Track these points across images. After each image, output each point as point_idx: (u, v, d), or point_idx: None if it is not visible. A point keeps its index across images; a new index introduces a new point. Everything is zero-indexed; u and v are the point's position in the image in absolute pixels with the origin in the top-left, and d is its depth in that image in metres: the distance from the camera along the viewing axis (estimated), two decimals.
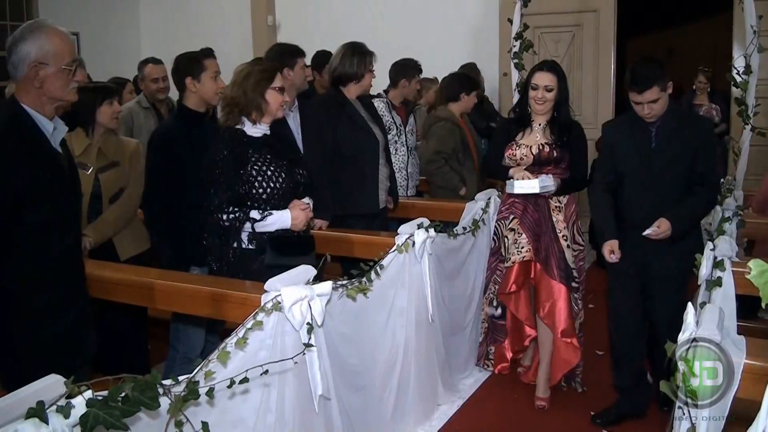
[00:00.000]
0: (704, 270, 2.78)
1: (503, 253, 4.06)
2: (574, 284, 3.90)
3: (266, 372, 2.21)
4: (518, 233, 3.96)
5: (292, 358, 2.35)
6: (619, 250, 3.48)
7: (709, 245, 3.01)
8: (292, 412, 2.47)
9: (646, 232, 3.38)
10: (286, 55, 4.19)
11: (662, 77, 3.28)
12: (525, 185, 3.85)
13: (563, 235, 3.92)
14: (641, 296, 3.59)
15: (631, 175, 3.49)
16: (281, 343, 2.41)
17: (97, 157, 3.65)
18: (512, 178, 3.93)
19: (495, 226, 4.18)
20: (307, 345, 2.45)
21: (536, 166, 3.93)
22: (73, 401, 1.76)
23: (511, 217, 4.01)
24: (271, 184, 3.15)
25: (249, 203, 3.14)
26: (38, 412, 1.68)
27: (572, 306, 3.90)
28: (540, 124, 3.98)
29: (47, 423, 1.69)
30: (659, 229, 3.36)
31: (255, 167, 3.14)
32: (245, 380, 2.14)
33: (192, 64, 3.68)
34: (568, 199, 4.02)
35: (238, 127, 3.21)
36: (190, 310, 3.04)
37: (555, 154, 3.90)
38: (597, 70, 7.51)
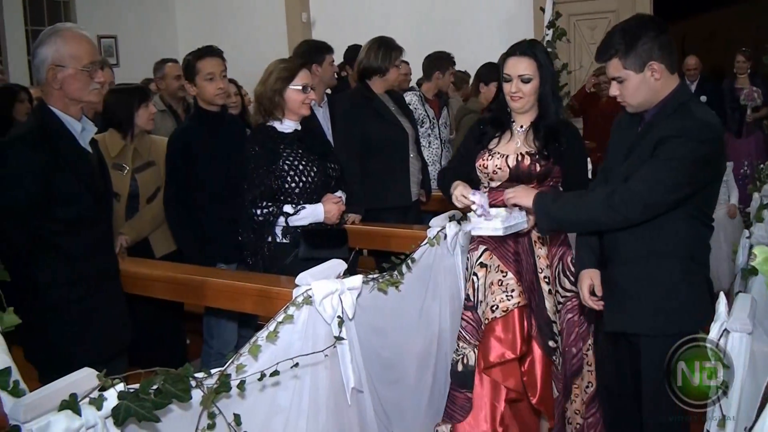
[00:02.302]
0: (740, 258, 2.72)
1: (471, 297, 3.05)
2: (551, 344, 2.93)
3: (296, 365, 2.22)
4: (501, 271, 2.97)
5: (322, 351, 2.36)
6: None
7: (746, 233, 2.95)
8: (325, 405, 2.47)
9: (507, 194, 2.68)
10: (315, 51, 4.22)
11: (630, 49, 2.38)
12: (484, 225, 2.81)
13: (545, 277, 2.97)
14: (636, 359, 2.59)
15: (613, 172, 2.61)
16: (313, 337, 2.42)
17: (132, 157, 3.70)
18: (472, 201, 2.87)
19: (468, 258, 3.20)
20: (338, 338, 2.45)
21: (514, 184, 2.93)
22: (106, 393, 1.79)
23: (482, 248, 3.05)
24: (304, 179, 3.19)
25: (282, 198, 3.17)
26: (71, 405, 1.71)
27: (549, 369, 2.95)
28: (521, 127, 3.05)
29: (80, 415, 1.72)
30: (511, 191, 2.67)
31: (287, 162, 3.18)
32: (276, 373, 2.15)
33: (187, 67, 3.64)
34: None
35: (269, 123, 3.25)
36: (239, 307, 3.06)
37: (538, 168, 2.94)
38: None
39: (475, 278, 3.03)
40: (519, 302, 2.90)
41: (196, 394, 1.97)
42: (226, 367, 2.09)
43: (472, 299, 3.04)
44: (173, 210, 3.59)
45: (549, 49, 4.74)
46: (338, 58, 4.96)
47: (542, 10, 4.86)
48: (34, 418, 1.68)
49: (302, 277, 2.50)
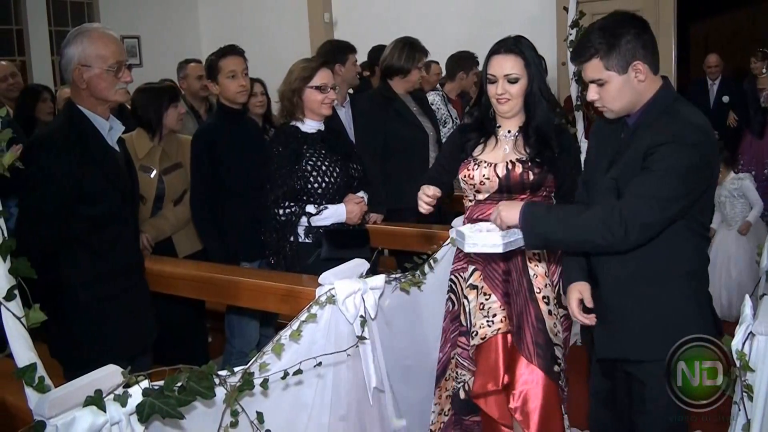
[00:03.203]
0: (765, 260, 2.68)
1: (464, 322, 2.81)
2: (556, 368, 2.65)
3: (320, 364, 2.22)
4: (484, 294, 2.73)
5: (345, 351, 2.37)
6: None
7: None
8: (346, 404, 2.48)
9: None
10: (337, 51, 4.22)
11: (612, 48, 2.12)
12: (480, 241, 2.40)
13: (543, 297, 2.68)
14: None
15: (593, 186, 2.38)
16: (335, 336, 2.42)
17: (160, 158, 3.71)
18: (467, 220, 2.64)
19: (450, 280, 2.93)
20: (360, 338, 2.45)
21: (504, 195, 2.70)
22: (130, 390, 1.81)
23: (471, 268, 2.80)
24: (326, 179, 3.19)
25: (305, 198, 3.18)
26: (96, 401, 1.73)
27: (556, 397, 2.66)
28: (509, 132, 2.78)
29: (105, 411, 1.74)
30: (494, 213, 2.29)
31: (310, 162, 3.18)
32: (299, 372, 2.16)
33: (209, 66, 3.66)
34: None
35: (292, 123, 3.26)
36: (262, 305, 3.05)
37: (531, 177, 2.68)
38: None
39: (466, 302, 2.79)
40: (500, 329, 2.64)
41: (220, 392, 1.98)
42: (250, 365, 2.10)
43: (465, 324, 2.79)
44: (201, 209, 3.58)
45: (571, 48, 4.70)
46: (361, 58, 4.95)
47: (566, 9, 4.81)
48: (59, 413, 1.70)
49: (325, 277, 2.51)
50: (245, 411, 2.01)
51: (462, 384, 2.82)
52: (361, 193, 3.33)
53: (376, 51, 5.84)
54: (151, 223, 3.65)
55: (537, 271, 2.72)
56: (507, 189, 2.70)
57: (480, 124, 2.82)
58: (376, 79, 5.90)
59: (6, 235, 1.74)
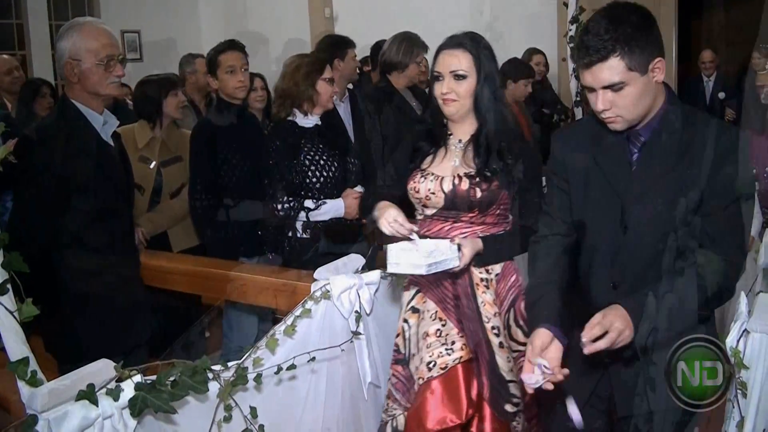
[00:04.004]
0: (762, 258, 2.66)
1: (402, 348, 2.47)
2: (508, 407, 2.36)
3: (313, 359, 2.23)
4: (438, 319, 2.41)
5: (339, 346, 2.37)
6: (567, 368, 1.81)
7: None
8: (341, 399, 2.48)
9: (584, 338, 1.75)
10: (337, 45, 4.21)
11: (634, 41, 1.78)
12: (403, 260, 2.19)
13: (492, 327, 2.38)
14: None
15: (594, 225, 2.00)
16: (330, 331, 2.42)
17: (160, 150, 3.71)
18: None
19: None
20: (356, 333, 2.45)
21: (451, 212, 2.42)
22: (123, 384, 1.81)
23: (414, 289, 2.49)
24: (324, 174, 3.19)
25: (303, 193, 3.18)
26: (88, 395, 1.73)
27: None
28: (460, 142, 2.49)
29: (97, 405, 1.74)
30: (604, 333, 1.75)
31: (308, 157, 3.18)
32: (293, 367, 2.16)
33: (209, 61, 3.66)
34: (504, 267, 2.46)
35: (290, 118, 3.25)
36: (258, 300, 3.05)
37: (478, 194, 2.37)
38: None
39: (405, 326, 2.47)
40: (461, 357, 2.36)
41: (214, 387, 1.98)
42: (243, 360, 2.10)
43: (403, 351, 2.47)
44: (199, 204, 3.57)
45: (571, 45, 4.68)
46: (362, 53, 4.94)
47: (565, 5, 4.80)
48: (52, 407, 1.69)
49: (320, 272, 2.50)
50: (239, 406, 2.02)
51: (391, 418, 2.46)
52: (358, 188, 3.32)
53: (378, 46, 5.84)
54: (148, 217, 3.64)
55: (485, 298, 2.42)
56: (453, 205, 2.41)
57: (431, 132, 2.53)
58: (376, 74, 5.90)
59: None
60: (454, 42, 2.42)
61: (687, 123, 1.89)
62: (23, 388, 1.72)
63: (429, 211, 2.47)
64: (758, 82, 7.06)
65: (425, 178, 2.45)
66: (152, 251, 3.46)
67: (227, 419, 1.99)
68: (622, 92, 1.81)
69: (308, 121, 3.25)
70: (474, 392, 2.35)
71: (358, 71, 4.68)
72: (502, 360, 2.37)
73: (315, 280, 2.50)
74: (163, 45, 9.05)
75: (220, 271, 3.06)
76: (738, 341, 1.99)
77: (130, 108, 4.66)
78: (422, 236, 2.35)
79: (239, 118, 3.66)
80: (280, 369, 2.14)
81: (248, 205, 3.43)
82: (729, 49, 7.74)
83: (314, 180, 3.18)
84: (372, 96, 4.27)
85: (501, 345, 2.38)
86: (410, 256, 2.18)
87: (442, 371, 2.34)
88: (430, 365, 2.36)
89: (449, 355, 2.36)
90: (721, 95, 7.05)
